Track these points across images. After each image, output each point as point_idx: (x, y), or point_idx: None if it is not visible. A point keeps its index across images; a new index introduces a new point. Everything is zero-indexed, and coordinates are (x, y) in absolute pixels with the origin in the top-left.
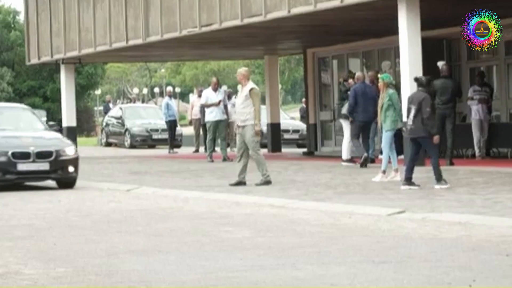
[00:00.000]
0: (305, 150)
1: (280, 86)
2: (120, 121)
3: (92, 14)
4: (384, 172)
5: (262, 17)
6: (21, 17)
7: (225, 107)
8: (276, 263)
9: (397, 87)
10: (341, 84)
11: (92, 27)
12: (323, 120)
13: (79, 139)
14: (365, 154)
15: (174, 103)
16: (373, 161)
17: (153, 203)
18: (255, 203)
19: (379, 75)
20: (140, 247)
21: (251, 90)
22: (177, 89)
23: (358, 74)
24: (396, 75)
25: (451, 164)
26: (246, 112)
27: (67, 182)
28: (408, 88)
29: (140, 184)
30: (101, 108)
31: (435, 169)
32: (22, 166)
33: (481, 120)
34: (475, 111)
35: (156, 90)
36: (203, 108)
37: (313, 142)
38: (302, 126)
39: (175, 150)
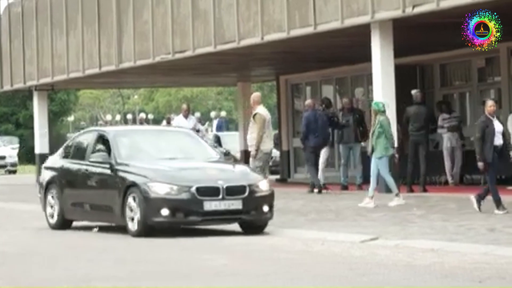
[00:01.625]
0: (278, 177)
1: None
2: None
3: (65, 41)
4: (397, 195)
5: (236, 43)
6: None
7: (198, 132)
8: None
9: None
10: (324, 111)
11: (65, 53)
12: (296, 147)
13: None
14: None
15: None
16: (346, 188)
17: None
18: (229, 230)
19: (371, 103)
20: (116, 275)
21: (254, 115)
22: (150, 116)
23: (307, 101)
24: (369, 102)
25: (424, 190)
26: (251, 137)
27: (258, 226)
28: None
29: None
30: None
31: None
32: (210, 205)
33: (453, 147)
34: (447, 139)
35: (129, 116)
36: None
37: (286, 169)
38: (275, 153)
39: None
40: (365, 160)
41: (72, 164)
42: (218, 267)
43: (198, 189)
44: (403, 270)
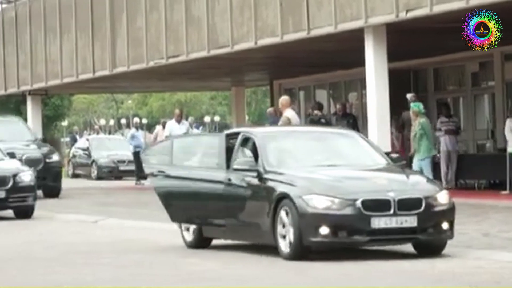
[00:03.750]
0: None
1: (247, 117)
2: (87, 152)
3: (59, 46)
4: None
5: (229, 48)
6: None
7: None
8: None
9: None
10: (311, 115)
11: (59, 58)
12: None
13: None
14: None
15: (141, 134)
16: None
17: (120, 235)
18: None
19: (411, 104)
20: (107, 279)
21: (282, 118)
22: (144, 120)
23: (269, 109)
24: (363, 106)
25: None
26: None
27: (435, 247)
28: (374, 119)
29: (107, 215)
30: (68, 139)
31: None
32: (378, 222)
33: (449, 151)
34: (443, 143)
35: (123, 121)
36: None
37: None
38: None
39: (142, 181)
40: None
41: (203, 172)
42: (206, 271)
43: (364, 202)
44: (394, 275)
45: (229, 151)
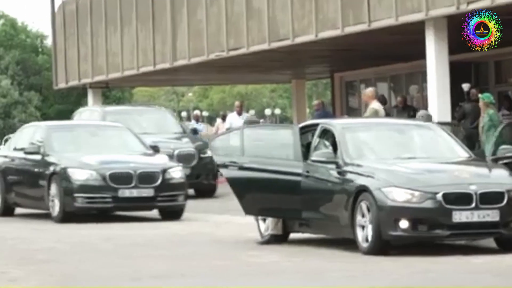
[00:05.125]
0: None
1: (307, 110)
2: None
3: (120, 39)
4: None
5: (290, 41)
6: (48, 41)
7: None
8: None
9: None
10: None
11: (120, 51)
12: None
13: None
14: None
15: (202, 127)
16: None
17: (181, 227)
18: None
19: (479, 95)
20: (164, 272)
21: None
22: (205, 113)
23: (315, 102)
24: (424, 99)
25: None
26: None
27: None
28: (436, 112)
29: None
30: None
31: None
32: (460, 216)
33: None
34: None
35: (184, 114)
36: None
37: None
38: None
39: None
40: None
41: (279, 163)
42: (267, 264)
43: (445, 195)
44: (460, 269)
45: (304, 142)
